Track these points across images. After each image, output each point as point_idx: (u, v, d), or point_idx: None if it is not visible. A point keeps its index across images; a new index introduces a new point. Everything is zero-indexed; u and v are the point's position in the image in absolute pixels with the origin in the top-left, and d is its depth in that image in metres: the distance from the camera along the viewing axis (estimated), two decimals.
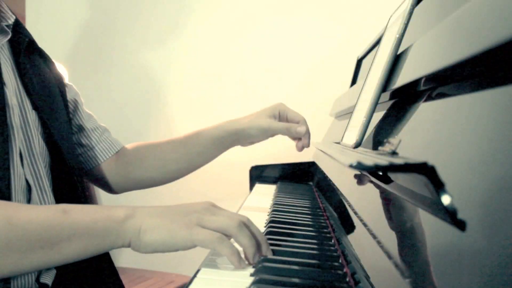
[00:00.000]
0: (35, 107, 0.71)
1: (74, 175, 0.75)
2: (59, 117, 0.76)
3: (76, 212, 0.53)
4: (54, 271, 0.72)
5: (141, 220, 0.53)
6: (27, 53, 0.73)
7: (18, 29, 0.73)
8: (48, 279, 0.71)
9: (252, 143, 0.88)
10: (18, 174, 0.65)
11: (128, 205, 0.56)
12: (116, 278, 0.78)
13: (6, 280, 0.58)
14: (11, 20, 0.70)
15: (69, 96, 0.83)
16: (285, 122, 0.85)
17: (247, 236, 0.52)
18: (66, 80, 0.86)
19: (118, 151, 0.89)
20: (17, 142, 0.66)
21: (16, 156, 0.65)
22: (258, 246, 0.53)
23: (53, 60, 0.81)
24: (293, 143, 0.90)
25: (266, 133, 0.83)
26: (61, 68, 1.83)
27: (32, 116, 0.70)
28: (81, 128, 0.86)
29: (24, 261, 0.50)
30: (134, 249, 0.54)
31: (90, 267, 0.74)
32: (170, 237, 0.52)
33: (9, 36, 0.69)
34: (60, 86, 0.80)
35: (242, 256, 0.52)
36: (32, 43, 0.75)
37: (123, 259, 1.86)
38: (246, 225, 0.54)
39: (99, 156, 0.87)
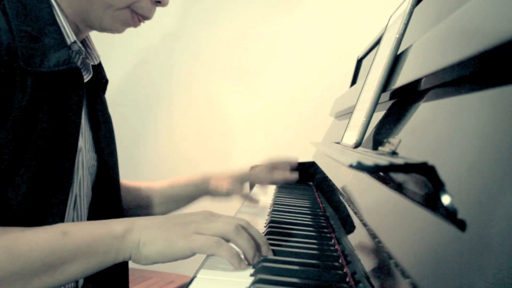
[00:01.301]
0: (97, 148, 0.73)
1: (122, 209, 0.77)
2: (115, 157, 0.78)
3: (75, 232, 0.53)
4: None
5: (140, 233, 0.53)
6: (103, 92, 0.75)
7: (98, 68, 0.74)
8: None
9: (218, 198, 0.94)
10: (68, 215, 0.66)
11: (127, 218, 0.56)
12: (125, 275, 0.78)
13: None
14: (97, 61, 0.72)
15: None
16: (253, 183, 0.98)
17: (245, 239, 0.52)
18: None
19: None
20: (75, 186, 0.66)
21: (71, 201, 0.65)
22: (258, 247, 0.53)
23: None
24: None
25: (229, 196, 0.92)
26: None
27: (86, 157, 0.70)
28: None
29: (30, 286, 0.50)
30: (135, 262, 0.54)
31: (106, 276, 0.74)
32: (169, 247, 0.52)
33: (90, 76, 0.70)
34: (112, 126, 0.81)
35: (242, 257, 0.52)
36: (106, 84, 0.78)
37: None
38: (244, 227, 0.54)
39: None
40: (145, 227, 0.54)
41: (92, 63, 0.71)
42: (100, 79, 0.74)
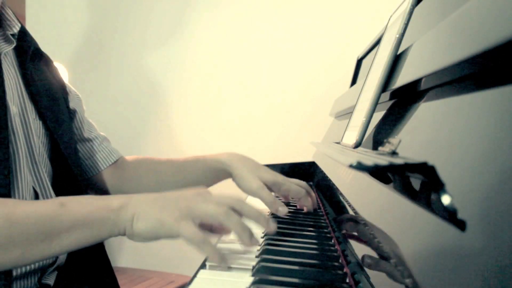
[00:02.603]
0: (40, 115, 0.72)
1: (78, 182, 0.76)
2: (64, 125, 0.77)
3: (73, 204, 0.55)
4: (55, 272, 0.73)
5: (134, 208, 0.54)
6: (32, 60, 0.74)
7: (24, 36, 0.73)
8: (50, 279, 0.71)
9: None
10: (26, 181, 0.66)
11: (125, 195, 0.57)
12: (112, 276, 0.79)
13: (8, 281, 0.58)
14: (16, 29, 0.71)
15: (71, 104, 0.84)
16: (278, 191, 0.78)
17: (236, 221, 0.53)
18: (66, 81, 0.86)
19: (117, 161, 0.90)
20: (22, 150, 0.66)
21: (23, 163, 0.66)
22: (259, 222, 0.54)
23: (53, 60, 0.82)
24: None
25: (253, 194, 0.76)
26: (61, 68, 1.83)
27: (34, 125, 0.71)
28: (81, 137, 0.87)
29: (26, 255, 0.51)
30: (129, 238, 0.55)
31: (89, 266, 0.74)
32: (159, 226, 0.53)
33: (13, 45, 0.70)
34: (63, 94, 0.81)
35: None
36: (37, 51, 0.76)
37: (123, 259, 1.86)
38: (236, 209, 0.54)
39: (98, 165, 0.87)
40: (141, 203, 0.55)
41: (10, 32, 0.70)
42: (28, 47, 0.74)
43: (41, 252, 0.52)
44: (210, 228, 0.58)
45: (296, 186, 0.76)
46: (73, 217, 0.53)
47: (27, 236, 0.51)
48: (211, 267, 0.52)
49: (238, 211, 0.55)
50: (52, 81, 0.78)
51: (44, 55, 0.79)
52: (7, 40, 0.70)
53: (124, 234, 0.55)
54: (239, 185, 0.79)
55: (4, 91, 0.63)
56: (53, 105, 0.76)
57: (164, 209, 0.54)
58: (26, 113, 0.69)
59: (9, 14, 0.72)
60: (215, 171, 0.83)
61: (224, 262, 0.51)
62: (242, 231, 0.53)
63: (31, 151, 0.69)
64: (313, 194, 0.79)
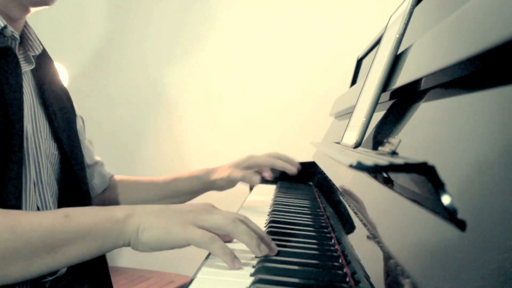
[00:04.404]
0: (55, 136, 0.73)
1: (87, 202, 0.77)
2: (76, 146, 0.78)
3: (77, 215, 0.54)
4: (54, 277, 0.73)
5: (140, 219, 0.54)
6: (49, 81, 0.75)
7: (44, 58, 0.75)
8: (46, 282, 0.71)
9: (223, 189, 0.95)
10: (31, 201, 0.66)
11: (128, 205, 0.57)
12: (107, 277, 0.79)
13: None
14: (38, 51, 0.72)
15: (78, 126, 0.84)
16: (255, 169, 0.94)
17: (245, 231, 0.53)
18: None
19: (108, 183, 0.93)
20: (32, 170, 0.66)
21: (30, 184, 0.66)
22: (261, 239, 0.54)
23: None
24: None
25: (231, 182, 0.91)
26: (61, 68, 1.83)
27: (45, 145, 0.71)
28: None
29: (31, 267, 0.51)
30: (134, 248, 0.55)
31: (86, 267, 0.75)
32: (166, 236, 0.53)
33: (33, 66, 0.71)
34: (73, 115, 0.81)
35: (239, 255, 0.52)
36: (55, 73, 0.77)
37: (123, 259, 1.86)
38: (243, 221, 0.54)
39: (95, 189, 0.89)
40: (145, 214, 0.55)
41: (33, 54, 0.71)
42: (47, 69, 0.75)
43: (45, 264, 0.52)
44: None
45: (262, 156, 0.93)
46: (77, 229, 0.53)
47: (32, 248, 0.50)
48: (212, 267, 0.52)
49: (244, 223, 0.55)
50: (66, 103, 0.79)
51: (60, 77, 0.80)
52: (27, 60, 0.71)
53: (128, 245, 0.55)
54: (219, 186, 0.92)
55: (23, 113, 0.63)
56: (67, 127, 0.76)
57: (170, 220, 0.54)
58: (39, 133, 0.70)
59: (31, 33, 0.73)
60: (196, 187, 0.94)
61: (236, 261, 0.51)
62: (250, 239, 0.52)
63: (39, 172, 0.68)
64: (285, 157, 0.94)
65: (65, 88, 0.82)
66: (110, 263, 1.88)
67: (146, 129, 1.90)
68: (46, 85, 0.73)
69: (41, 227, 0.52)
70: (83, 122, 0.90)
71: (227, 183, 0.91)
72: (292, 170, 0.93)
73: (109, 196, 0.93)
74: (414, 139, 0.41)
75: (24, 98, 0.67)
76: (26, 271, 0.51)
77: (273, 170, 0.95)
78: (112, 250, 0.55)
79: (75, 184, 0.75)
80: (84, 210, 0.57)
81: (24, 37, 0.72)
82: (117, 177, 0.96)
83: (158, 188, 0.93)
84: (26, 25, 0.73)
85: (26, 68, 0.70)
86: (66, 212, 0.54)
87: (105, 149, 1.93)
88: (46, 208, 0.70)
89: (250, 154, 0.94)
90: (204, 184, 0.93)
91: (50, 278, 0.71)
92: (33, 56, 0.71)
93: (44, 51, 0.75)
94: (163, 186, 0.93)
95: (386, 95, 0.59)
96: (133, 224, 0.54)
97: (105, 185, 0.92)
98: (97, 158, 0.93)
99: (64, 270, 0.74)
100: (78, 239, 0.52)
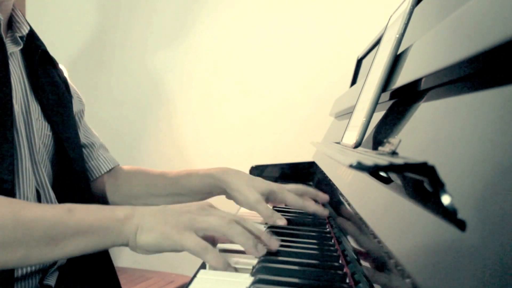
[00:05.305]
0: (46, 116, 0.73)
1: (81, 186, 0.76)
2: (71, 128, 0.77)
3: (80, 211, 0.55)
4: (57, 273, 0.73)
5: (138, 220, 0.55)
6: (39, 62, 0.75)
7: (32, 39, 0.74)
8: (51, 280, 0.71)
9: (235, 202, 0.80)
10: (29, 181, 0.66)
11: (130, 206, 0.58)
12: (114, 278, 0.79)
13: (10, 282, 0.59)
14: (24, 31, 0.72)
15: (75, 108, 0.84)
16: (275, 201, 0.76)
17: (240, 232, 0.53)
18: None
19: (111, 170, 0.88)
20: (25, 149, 0.66)
21: (25, 162, 0.66)
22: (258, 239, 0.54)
23: (44, 43, 0.82)
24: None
25: (250, 208, 0.74)
26: (61, 68, 1.83)
27: (37, 125, 0.71)
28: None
29: (30, 256, 0.51)
30: (132, 249, 0.55)
31: (92, 268, 0.75)
32: (162, 240, 0.53)
33: (20, 47, 0.71)
34: (69, 96, 0.81)
35: (235, 259, 0.52)
36: (45, 53, 0.77)
37: (123, 259, 1.86)
38: (239, 222, 0.55)
39: (93, 171, 0.86)
40: (145, 215, 0.55)
41: (19, 35, 0.71)
42: (35, 49, 0.74)
43: (44, 255, 0.52)
44: (213, 240, 0.58)
45: (291, 195, 0.73)
46: (78, 224, 0.53)
47: (32, 238, 0.51)
48: (211, 267, 0.52)
49: (240, 224, 0.55)
50: (59, 84, 0.79)
51: (51, 57, 0.79)
52: (14, 41, 0.71)
53: (127, 245, 0.55)
54: (235, 199, 0.76)
55: (10, 91, 0.63)
56: (60, 108, 0.76)
57: (167, 222, 0.54)
58: (29, 113, 0.70)
59: (19, 16, 0.73)
60: (208, 187, 0.80)
61: (229, 268, 0.51)
62: (246, 240, 0.53)
63: (32, 151, 0.69)
64: (314, 192, 0.76)
65: (59, 69, 0.81)
66: None
67: (146, 127, 1.90)
68: (36, 66, 0.73)
69: (44, 218, 0.52)
70: (81, 103, 0.88)
71: (245, 204, 0.74)
72: (324, 213, 0.74)
73: (112, 185, 0.87)
74: (414, 139, 0.41)
75: (13, 78, 0.67)
76: (25, 259, 0.52)
77: (274, 170, 0.92)
78: (111, 247, 0.56)
79: (69, 165, 0.75)
80: (87, 207, 0.57)
81: (12, 20, 0.72)
82: (126, 167, 0.90)
83: (170, 184, 0.84)
84: (14, 8, 0.72)
85: (13, 49, 0.70)
86: (70, 207, 0.55)
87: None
88: (43, 189, 0.70)
89: (279, 185, 0.76)
90: (219, 187, 0.78)
91: (52, 269, 0.71)
92: (20, 36, 0.71)
93: (32, 33, 0.75)
94: (174, 181, 0.84)
95: (386, 95, 0.59)
96: (132, 225, 0.54)
97: (105, 169, 0.86)
98: (100, 140, 0.90)
99: (64, 260, 0.74)
100: (78, 234, 0.53)
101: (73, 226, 0.53)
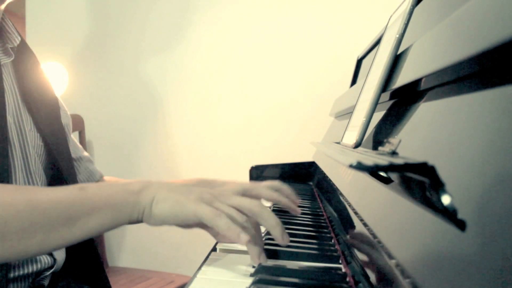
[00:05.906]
0: (37, 127, 0.73)
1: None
2: (60, 139, 0.78)
3: (93, 188, 0.55)
4: (50, 272, 0.73)
5: (155, 191, 0.55)
6: (30, 73, 0.75)
7: (23, 49, 0.75)
8: (45, 280, 0.72)
9: None
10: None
11: (144, 179, 0.58)
12: (104, 277, 0.80)
13: (3, 282, 0.59)
14: (16, 42, 0.72)
15: (63, 121, 0.84)
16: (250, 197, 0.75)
17: (270, 215, 0.53)
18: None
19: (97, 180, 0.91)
20: (18, 160, 0.67)
21: (18, 173, 0.67)
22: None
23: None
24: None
25: None
26: (61, 69, 1.84)
27: (30, 136, 0.72)
28: None
29: (49, 240, 0.51)
30: (145, 221, 0.55)
31: (83, 267, 0.75)
32: (178, 208, 0.53)
33: (12, 58, 0.72)
34: (57, 108, 0.82)
35: (242, 235, 0.51)
36: (35, 65, 0.77)
37: (123, 259, 1.86)
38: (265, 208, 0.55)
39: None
40: (162, 187, 0.56)
41: (11, 46, 0.71)
42: (27, 61, 0.75)
43: (62, 236, 0.52)
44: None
45: (266, 190, 0.71)
46: (93, 200, 0.53)
47: (49, 220, 0.51)
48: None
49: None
50: (49, 95, 0.80)
51: (42, 68, 0.80)
52: (6, 53, 0.71)
53: (141, 220, 0.55)
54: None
55: (4, 103, 0.64)
56: (50, 119, 0.77)
57: (185, 194, 0.54)
58: (22, 124, 0.70)
59: (10, 26, 0.73)
60: None
61: (244, 236, 0.50)
62: (276, 225, 0.53)
63: (27, 162, 0.69)
64: (287, 191, 0.74)
65: (48, 81, 0.82)
66: (110, 263, 1.88)
67: (143, 130, 1.90)
68: (27, 77, 0.74)
69: (58, 199, 0.52)
70: (68, 117, 0.88)
71: None
72: (297, 211, 0.73)
73: None
74: (414, 139, 0.41)
75: (5, 89, 0.68)
76: (45, 244, 0.51)
77: (274, 170, 0.92)
78: (127, 223, 0.55)
79: (60, 176, 0.76)
80: (99, 184, 0.57)
81: (2, 30, 0.72)
82: (107, 178, 0.94)
83: None
84: (3, 18, 0.72)
85: (5, 60, 0.70)
86: (82, 186, 0.55)
87: (102, 150, 1.93)
88: None
89: (252, 183, 0.76)
90: None
91: (47, 273, 0.71)
92: (11, 48, 0.72)
93: (23, 43, 0.75)
94: None
95: (386, 95, 0.59)
96: (148, 196, 0.54)
97: (92, 182, 0.89)
98: (85, 153, 0.92)
99: (61, 263, 0.74)
100: (94, 210, 0.53)
101: (88, 203, 0.53)
